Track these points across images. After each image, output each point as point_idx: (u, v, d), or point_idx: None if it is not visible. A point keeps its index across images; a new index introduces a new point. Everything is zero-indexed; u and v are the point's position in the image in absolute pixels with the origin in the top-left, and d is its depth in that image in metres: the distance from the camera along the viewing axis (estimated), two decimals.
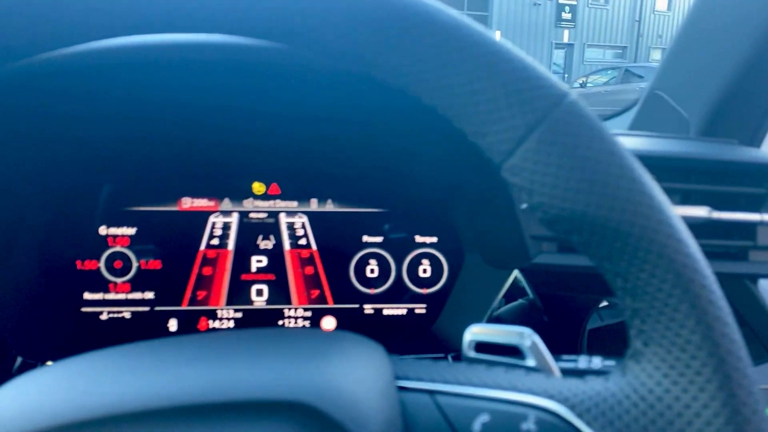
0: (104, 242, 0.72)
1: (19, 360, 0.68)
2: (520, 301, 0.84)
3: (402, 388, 0.29)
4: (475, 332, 0.33)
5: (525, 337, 0.32)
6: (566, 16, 20.79)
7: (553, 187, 0.27)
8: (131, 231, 0.72)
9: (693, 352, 0.26)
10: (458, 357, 0.72)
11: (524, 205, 0.57)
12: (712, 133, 0.78)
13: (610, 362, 0.42)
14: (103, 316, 0.73)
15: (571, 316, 0.82)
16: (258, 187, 0.74)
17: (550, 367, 0.32)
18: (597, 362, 0.42)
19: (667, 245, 0.26)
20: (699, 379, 0.26)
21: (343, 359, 0.28)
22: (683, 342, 0.27)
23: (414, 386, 0.29)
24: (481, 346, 0.33)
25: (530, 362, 0.32)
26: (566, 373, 0.33)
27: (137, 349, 0.29)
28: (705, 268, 0.27)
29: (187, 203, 0.73)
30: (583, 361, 0.42)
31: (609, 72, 13.24)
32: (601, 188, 0.26)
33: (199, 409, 0.24)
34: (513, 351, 0.32)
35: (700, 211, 0.55)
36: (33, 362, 0.68)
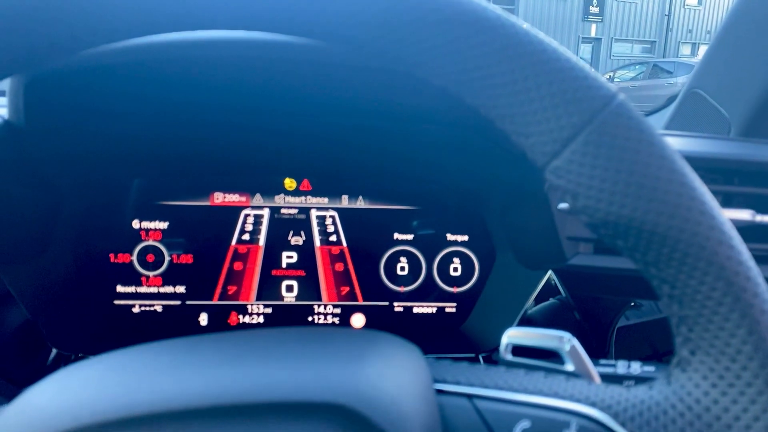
0: (137, 236, 0.73)
1: (53, 351, 0.69)
2: (551, 300, 0.83)
3: (440, 392, 0.29)
4: (512, 335, 0.33)
5: (564, 341, 0.32)
6: (594, 9, 20.43)
7: (599, 191, 0.26)
8: (163, 225, 0.73)
9: (744, 362, 0.26)
10: (488, 357, 0.72)
11: (561, 206, 0.56)
12: (755, 134, 0.76)
13: (650, 368, 0.41)
14: (135, 309, 0.74)
15: (601, 315, 0.81)
16: (289, 183, 0.74)
17: (590, 373, 0.31)
18: (636, 367, 0.41)
19: (718, 252, 0.26)
20: (750, 390, 0.25)
21: (382, 361, 0.28)
22: (733, 352, 0.26)
23: (452, 390, 0.29)
24: (516, 348, 0.33)
25: (569, 367, 0.31)
26: (605, 378, 0.32)
27: (175, 346, 0.29)
28: (757, 276, 0.26)
29: (219, 198, 0.74)
30: (621, 367, 0.41)
31: (637, 67, 13.01)
32: (650, 192, 0.26)
33: (239, 410, 0.24)
34: (548, 353, 0.32)
35: (744, 215, 0.54)
36: (67, 353, 0.69)
